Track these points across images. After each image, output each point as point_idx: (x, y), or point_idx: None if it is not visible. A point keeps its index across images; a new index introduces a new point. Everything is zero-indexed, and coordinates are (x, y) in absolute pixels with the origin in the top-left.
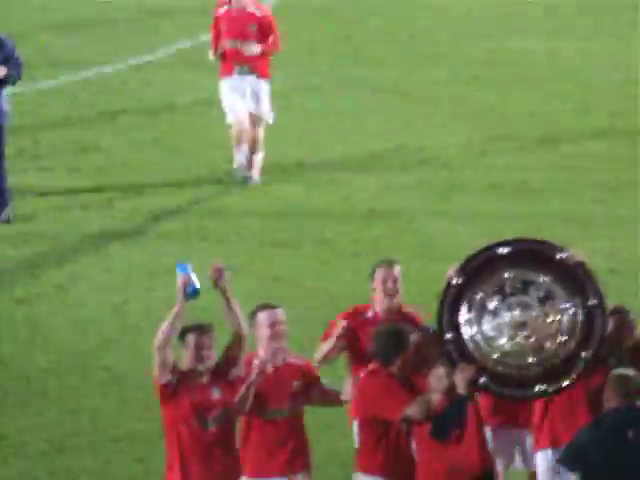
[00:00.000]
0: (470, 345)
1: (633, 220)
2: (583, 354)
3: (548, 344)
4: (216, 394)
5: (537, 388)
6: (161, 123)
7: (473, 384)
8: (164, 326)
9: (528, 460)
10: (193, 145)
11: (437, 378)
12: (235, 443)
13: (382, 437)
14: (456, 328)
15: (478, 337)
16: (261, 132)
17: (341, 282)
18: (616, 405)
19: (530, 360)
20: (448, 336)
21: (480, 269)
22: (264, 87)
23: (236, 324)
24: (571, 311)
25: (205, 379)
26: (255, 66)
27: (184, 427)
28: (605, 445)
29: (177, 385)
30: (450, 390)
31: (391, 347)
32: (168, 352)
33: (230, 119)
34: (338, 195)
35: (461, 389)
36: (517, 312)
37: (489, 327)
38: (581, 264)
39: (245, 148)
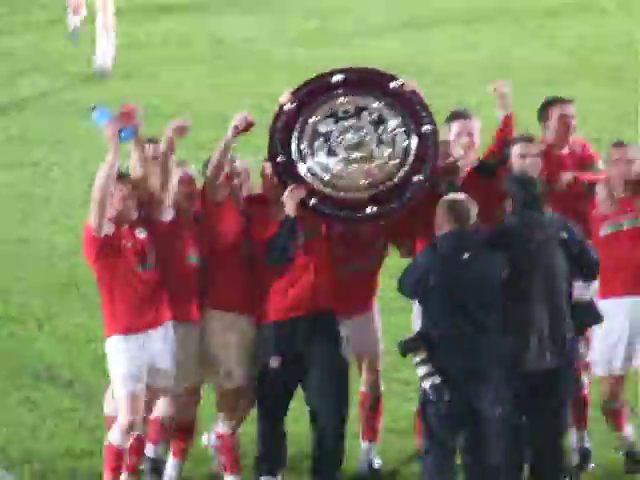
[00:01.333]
0: (301, 167)
1: None
2: (415, 178)
3: (380, 167)
4: (142, 234)
5: (368, 210)
6: None
7: (303, 206)
8: (102, 178)
9: None
10: None
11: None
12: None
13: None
14: (287, 151)
15: (310, 159)
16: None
17: None
18: (449, 229)
19: (362, 182)
20: (279, 159)
21: (313, 95)
22: None
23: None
24: (404, 136)
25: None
26: None
27: (126, 272)
28: (443, 268)
29: (114, 235)
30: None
31: None
32: (108, 204)
33: None
34: None
35: (290, 211)
36: (350, 135)
37: (321, 150)
38: (414, 92)
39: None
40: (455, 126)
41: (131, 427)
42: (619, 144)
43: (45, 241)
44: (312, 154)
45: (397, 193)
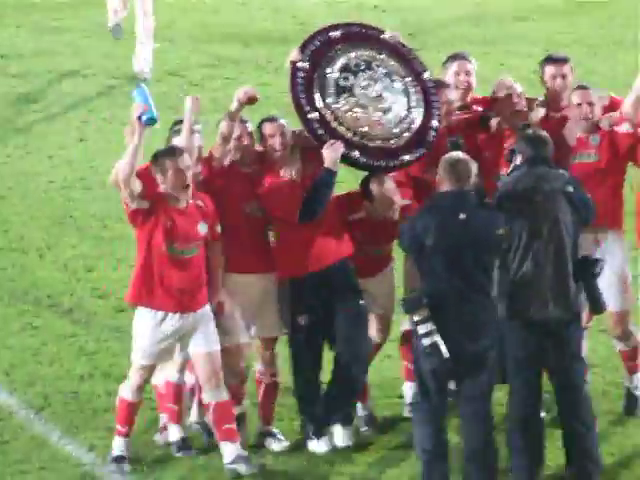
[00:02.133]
0: (333, 122)
1: None
2: (432, 123)
3: (405, 114)
4: (202, 230)
5: (401, 158)
6: None
7: (343, 159)
8: (126, 158)
9: None
10: None
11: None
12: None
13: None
14: (316, 107)
15: (341, 114)
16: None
17: None
18: (447, 189)
19: (394, 131)
20: (310, 115)
21: (321, 51)
22: None
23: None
24: (413, 84)
25: (185, 204)
26: None
27: (156, 248)
28: (440, 227)
29: (151, 208)
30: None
31: None
32: (133, 183)
33: None
34: None
35: (332, 165)
36: (372, 87)
37: (349, 103)
38: (402, 43)
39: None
40: (453, 66)
41: (140, 388)
42: (582, 87)
43: (43, 175)
44: (341, 108)
45: (421, 139)
